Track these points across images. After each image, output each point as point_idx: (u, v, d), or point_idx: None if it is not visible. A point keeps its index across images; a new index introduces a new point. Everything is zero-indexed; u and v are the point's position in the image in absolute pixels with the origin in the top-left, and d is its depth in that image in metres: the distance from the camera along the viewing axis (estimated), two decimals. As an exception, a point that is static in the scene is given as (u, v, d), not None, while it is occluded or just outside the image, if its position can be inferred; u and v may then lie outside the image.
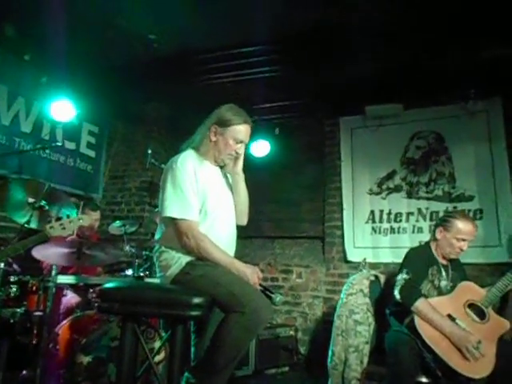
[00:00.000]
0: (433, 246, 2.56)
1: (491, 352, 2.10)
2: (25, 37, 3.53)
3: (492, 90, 3.87)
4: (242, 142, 2.03)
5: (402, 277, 2.36)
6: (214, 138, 2.02)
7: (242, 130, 2.01)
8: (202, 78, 4.02)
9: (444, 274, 2.47)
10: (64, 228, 2.16)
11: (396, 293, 2.33)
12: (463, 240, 2.42)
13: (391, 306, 2.50)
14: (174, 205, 1.87)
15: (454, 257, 2.49)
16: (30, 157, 3.87)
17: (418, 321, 2.18)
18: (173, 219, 1.88)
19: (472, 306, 2.30)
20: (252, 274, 1.84)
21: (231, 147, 2.01)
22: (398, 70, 3.70)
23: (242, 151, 2.05)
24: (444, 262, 2.52)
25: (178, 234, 1.88)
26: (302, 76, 4.06)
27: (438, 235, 2.50)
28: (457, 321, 2.19)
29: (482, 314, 2.27)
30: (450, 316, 2.21)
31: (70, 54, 3.45)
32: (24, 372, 2.60)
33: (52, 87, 3.83)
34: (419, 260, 2.48)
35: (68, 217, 2.19)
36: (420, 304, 2.22)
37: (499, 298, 2.35)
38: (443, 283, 2.44)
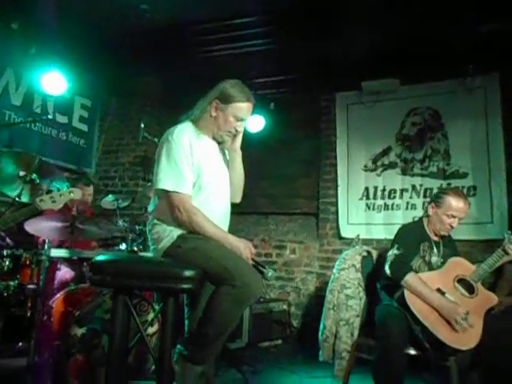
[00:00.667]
0: (425, 222, 2.56)
1: (478, 325, 2.13)
2: (11, 4, 3.41)
3: (490, 65, 3.82)
4: (242, 119, 1.98)
5: (392, 252, 2.37)
6: (214, 114, 1.96)
7: (244, 107, 1.95)
8: (196, 51, 3.95)
9: (435, 250, 2.48)
10: (54, 201, 2.13)
11: (386, 268, 2.34)
12: (453, 217, 2.41)
13: (382, 280, 2.52)
14: (167, 177, 1.85)
15: (445, 233, 2.49)
16: (21, 130, 3.82)
17: (407, 295, 2.20)
18: (166, 192, 1.87)
19: (461, 281, 2.32)
20: (245, 248, 1.84)
21: (231, 124, 1.96)
22: (395, 44, 3.64)
23: (241, 129, 2.01)
24: (436, 239, 2.52)
25: (171, 207, 1.86)
26: (297, 50, 3.99)
27: (430, 211, 2.50)
28: (446, 295, 2.22)
29: (471, 289, 2.29)
30: (439, 290, 2.23)
31: (59, 23, 3.34)
32: (20, 344, 2.63)
33: (42, 58, 3.73)
34: (410, 236, 2.48)
35: (58, 190, 2.16)
36: (410, 278, 2.23)
37: (490, 274, 2.37)
38: (434, 259, 2.46)
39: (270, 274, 1.85)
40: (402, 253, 2.33)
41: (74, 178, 3.62)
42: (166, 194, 1.88)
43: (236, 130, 2.00)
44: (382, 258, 2.71)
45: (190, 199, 1.88)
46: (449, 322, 2.12)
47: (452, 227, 2.44)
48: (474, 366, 2.22)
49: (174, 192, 1.85)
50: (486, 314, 2.18)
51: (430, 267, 2.42)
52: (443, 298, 2.20)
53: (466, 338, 2.09)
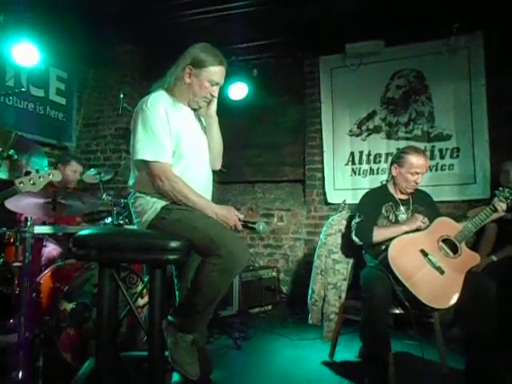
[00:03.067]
0: (390, 184, 2.66)
1: (458, 284, 2.19)
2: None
3: (474, 24, 3.77)
4: (217, 84, 1.96)
5: (354, 221, 2.53)
6: (188, 80, 1.93)
7: (217, 71, 1.93)
8: (174, 15, 3.79)
9: (402, 208, 2.57)
10: (34, 183, 2.07)
11: (354, 238, 2.49)
12: (417, 173, 2.51)
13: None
14: (145, 147, 1.82)
15: (411, 191, 2.57)
16: (-7, 105, 3.68)
17: (390, 257, 2.24)
18: (145, 162, 1.84)
19: (446, 240, 2.37)
20: (229, 214, 1.83)
21: (206, 89, 1.94)
22: (379, 4, 3.54)
23: (216, 93, 1.99)
24: (403, 197, 2.61)
25: (152, 177, 1.84)
26: (278, 12, 3.85)
27: (394, 172, 2.59)
28: (429, 256, 2.26)
29: (455, 249, 2.34)
30: (422, 251, 2.28)
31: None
32: (11, 321, 2.63)
33: (11, 28, 3.53)
34: (369, 201, 2.61)
35: (37, 171, 2.10)
36: (376, 234, 2.41)
37: (474, 233, 2.42)
38: (402, 217, 2.55)
39: (261, 227, 1.86)
40: (362, 219, 2.49)
41: (65, 157, 3.52)
42: (145, 165, 1.85)
43: (212, 95, 1.98)
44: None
45: (171, 168, 1.85)
46: (428, 284, 2.18)
47: (417, 183, 2.54)
48: (455, 322, 2.30)
49: (153, 162, 1.82)
50: (467, 273, 2.24)
51: None
52: (402, 225, 2.42)
53: (445, 298, 2.15)
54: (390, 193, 2.62)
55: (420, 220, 2.39)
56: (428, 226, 2.40)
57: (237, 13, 3.73)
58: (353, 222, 2.54)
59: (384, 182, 2.83)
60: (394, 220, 2.54)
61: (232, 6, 3.66)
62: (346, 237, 2.86)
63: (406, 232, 2.38)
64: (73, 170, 3.42)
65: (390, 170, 2.63)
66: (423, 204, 2.60)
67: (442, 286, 2.18)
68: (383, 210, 2.55)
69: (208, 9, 3.72)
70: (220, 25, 3.88)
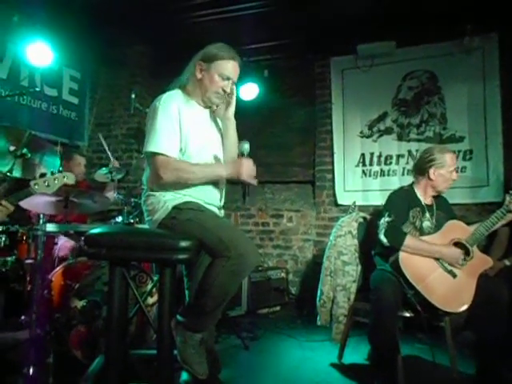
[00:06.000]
0: (417, 187, 2.56)
1: (471, 288, 2.16)
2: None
3: (489, 25, 3.72)
4: (228, 78, 1.94)
5: (384, 220, 2.38)
6: (199, 76, 1.93)
7: (227, 65, 1.91)
8: (185, 16, 3.81)
9: (428, 214, 2.49)
10: (48, 185, 2.11)
11: (382, 237, 2.34)
12: (455, 170, 2.48)
13: (376, 247, 2.54)
14: (151, 140, 1.82)
15: (445, 190, 2.51)
16: (8, 104, 3.74)
17: (401, 260, 2.23)
18: (151, 155, 1.84)
19: (458, 244, 2.34)
20: (243, 167, 1.85)
21: (217, 84, 1.92)
22: (391, 4, 3.52)
23: (229, 89, 1.97)
24: (429, 202, 2.53)
25: (156, 170, 1.82)
26: (290, 13, 3.85)
27: (433, 176, 2.47)
28: (440, 260, 2.24)
29: (467, 252, 2.31)
30: (433, 254, 2.26)
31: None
32: (22, 317, 2.66)
33: (26, 28, 3.59)
34: (400, 202, 2.49)
35: (52, 173, 2.14)
36: (408, 242, 2.27)
37: (485, 237, 2.38)
38: (426, 224, 2.47)
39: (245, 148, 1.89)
40: (393, 219, 2.35)
41: (67, 153, 3.58)
42: (151, 158, 1.86)
43: (224, 91, 1.95)
44: (373, 223, 2.70)
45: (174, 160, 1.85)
46: (440, 287, 2.15)
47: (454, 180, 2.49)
48: (467, 326, 2.28)
49: (157, 154, 1.81)
50: (479, 277, 2.21)
51: (422, 233, 2.43)
52: (442, 248, 2.28)
53: (458, 301, 2.13)
54: (417, 197, 2.53)
55: (459, 260, 2.26)
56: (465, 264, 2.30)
57: (247, 14, 3.74)
58: (382, 221, 2.38)
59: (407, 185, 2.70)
60: (419, 227, 2.45)
61: (242, 6, 3.68)
62: (355, 238, 2.85)
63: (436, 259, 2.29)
64: (77, 162, 3.50)
65: (424, 173, 2.50)
66: (444, 210, 2.54)
67: (455, 290, 2.16)
68: (410, 215, 2.46)
69: (218, 10, 3.74)
70: (231, 26, 3.89)
